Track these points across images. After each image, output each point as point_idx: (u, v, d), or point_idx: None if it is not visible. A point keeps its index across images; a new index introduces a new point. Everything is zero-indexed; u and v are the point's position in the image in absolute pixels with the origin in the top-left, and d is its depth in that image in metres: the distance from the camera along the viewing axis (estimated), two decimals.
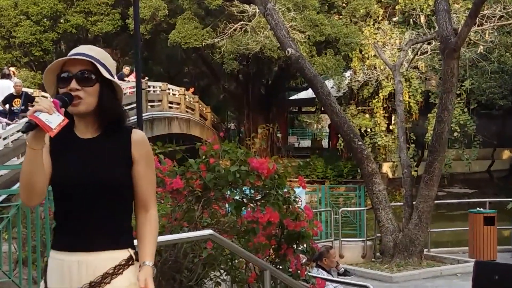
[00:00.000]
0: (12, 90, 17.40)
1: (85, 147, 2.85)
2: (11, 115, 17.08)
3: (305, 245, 6.57)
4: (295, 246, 6.42)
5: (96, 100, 2.83)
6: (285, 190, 5.94)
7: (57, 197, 2.85)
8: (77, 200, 2.80)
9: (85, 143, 2.86)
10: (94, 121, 2.88)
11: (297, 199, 6.00)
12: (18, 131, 15.76)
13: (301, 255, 6.56)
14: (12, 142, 15.42)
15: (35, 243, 5.90)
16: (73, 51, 2.89)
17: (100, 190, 2.80)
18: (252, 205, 5.84)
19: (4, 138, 15.21)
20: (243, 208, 5.83)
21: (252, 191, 5.90)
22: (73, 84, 2.79)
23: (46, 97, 20.19)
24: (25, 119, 2.67)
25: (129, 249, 2.89)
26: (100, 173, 2.81)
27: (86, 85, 2.80)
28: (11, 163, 15.24)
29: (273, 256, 6.39)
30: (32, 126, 2.57)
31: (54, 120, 2.57)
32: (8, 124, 16.18)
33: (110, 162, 2.85)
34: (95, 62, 2.82)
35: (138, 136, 2.93)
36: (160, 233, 5.81)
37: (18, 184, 2.79)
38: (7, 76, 19.27)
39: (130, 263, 2.86)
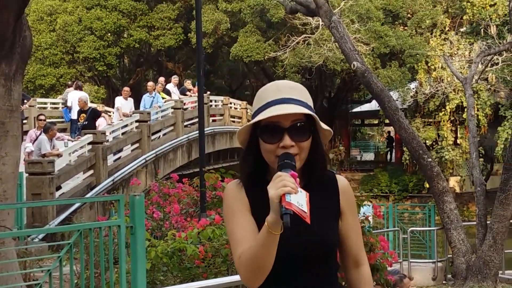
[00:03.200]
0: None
1: None
2: (75, 132, 17.28)
3: (378, 276, 6.09)
4: None
5: (307, 154, 2.43)
6: (360, 218, 5.47)
7: (276, 266, 2.41)
8: (292, 265, 2.43)
9: None
10: (299, 174, 2.41)
11: (371, 230, 5.52)
12: (80, 148, 15.76)
13: None
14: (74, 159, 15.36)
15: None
16: (274, 93, 2.43)
17: (317, 251, 2.44)
18: None
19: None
20: None
21: None
22: (288, 141, 2.36)
23: (110, 113, 20.30)
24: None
25: None
26: (316, 232, 2.43)
27: (301, 140, 2.39)
28: (73, 180, 15.19)
29: None
30: (292, 217, 2.18)
31: (301, 200, 2.20)
32: (70, 141, 16.16)
33: (323, 218, 2.46)
34: (312, 114, 2.40)
35: (344, 183, 2.57)
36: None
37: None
38: (80, 88, 19.84)
39: None
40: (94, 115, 17.79)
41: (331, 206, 2.51)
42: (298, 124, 2.38)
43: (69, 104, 19.98)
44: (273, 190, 2.20)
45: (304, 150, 2.41)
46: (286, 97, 2.41)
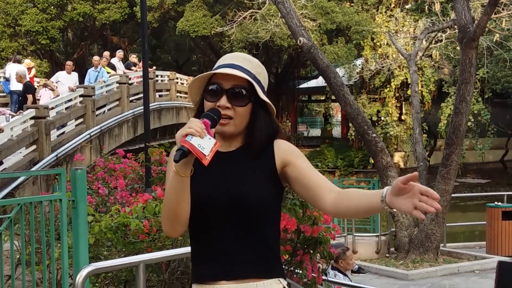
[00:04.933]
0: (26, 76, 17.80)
1: (225, 162, 2.46)
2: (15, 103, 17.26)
3: (321, 249, 6.15)
4: (311, 251, 6.01)
5: (247, 121, 2.49)
6: None
7: (196, 221, 2.46)
8: (220, 223, 2.44)
9: (226, 157, 2.48)
10: (241, 139, 2.54)
11: None
12: (22, 123, 15.45)
13: (317, 261, 6.16)
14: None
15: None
16: (228, 59, 2.54)
17: (246, 210, 2.43)
18: None
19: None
20: None
21: None
22: (223, 101, 2.44)
23: (54, 87, 19.96)
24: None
25: (281, 279, 2.52)
26: (246, 191, 2.44)
27: (238, 104, 2.46)
28: (15, 155, 14.91)
29: (289, 263, 5.98)
30: (185, 154, 2.25)
31: (207, 145, 2.26)
32: (12, 116, 15.84)
33: (255, 178, 2.47)
34: (252, 81, 2.47)
35: (279, 142, 2.55)
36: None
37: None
38: (19, 61, 19.67)
39: None
40: (27, 90, 17.55)
41: (267, 167, 2.49)
42: (237, 89, 2.44)
43: (7, 75, 19.69)
44: (179, 131, 2.27)
45: (239, 116, 2.46)
46: (236, 63, 2.49)
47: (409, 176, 2.13)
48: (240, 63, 2.50)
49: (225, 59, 2.54)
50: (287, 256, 5.95)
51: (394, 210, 2.21)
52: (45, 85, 19.95)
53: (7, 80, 19.40)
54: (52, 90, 18.91)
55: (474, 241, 16.52)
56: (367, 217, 16.80)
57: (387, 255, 14.45)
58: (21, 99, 17.04)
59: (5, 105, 19.21)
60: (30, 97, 17.29)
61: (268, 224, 2.49)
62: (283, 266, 5.91)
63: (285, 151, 2.52)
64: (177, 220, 2.39)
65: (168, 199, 2.37)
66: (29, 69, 20.11)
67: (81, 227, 4.67)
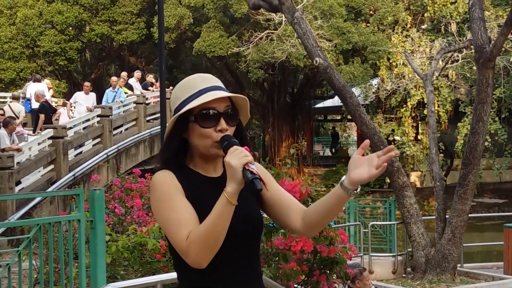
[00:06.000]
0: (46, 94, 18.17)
1: (220, 187, 2.42)
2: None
3: (338, 269, 6.15)
4: (328, 271, 6.02)
5: None
6: None
7: None
8: (235, 248, 2.48)
9: (221, 182, 2.45)
10: (221, 161, 2.55)
11: (331, 224, 5.57)
12: (39, 143, 15.59)
13: (334, 281, 6.16)
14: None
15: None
16: (202, 83, 2.55)
17: (258, 233, 2.58)
18: (283, 230, 5.43)
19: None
20: (274, 233, 5.42)
21: None
22: (224, 124, 2.49)
23: (67, 103, 20.08)
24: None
25: None
26: (254, 214, 2.55)
27: (232, 124, 2.54)
28: (33, 175, 15.03)
29: (305, 283, 5.99)
30: (262, 180, 2.32)
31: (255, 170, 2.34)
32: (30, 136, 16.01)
33: (253, 202, 2.58)
34: (243, 101, 2.57)
35: (258, 166, 2.62)
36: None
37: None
38: (38, 81, 20.11)
39: None
40: (39, 110, 17.81)
41: (253, 190, 2.55)
42: (230, 110, 2.52)
43: (28, 96, 19.98)
44: (235, 160, 2.31)
45: (231, 134, 2.53)
46: (215, 85, 2.55)
47: (362, 144, 2.43)
48: (217, 84, 2.56)
49: (198, 82, 2.55)
50: (304, 276, 5.96)
51: (356, 191, 2.41)
52: (64, 104, 20.22)
53: (28, 100, 19.70)
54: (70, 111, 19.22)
55: (491, 261, 16.37)
56: (383, 237, 16.75)
57: (403, 275, 14.36)
58: (36, 119, 17.31)
59: (23, 124, 19.39)
60: (42, 116, 17.47)
61: (259, 244, 2.62)
62: (300, 287, 5.95)
63: (262, 174, 2.56)
64: (216, 249, 2.36)
65: (215, 228, 2.32)
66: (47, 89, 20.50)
67: (99, 247, 4.71)
